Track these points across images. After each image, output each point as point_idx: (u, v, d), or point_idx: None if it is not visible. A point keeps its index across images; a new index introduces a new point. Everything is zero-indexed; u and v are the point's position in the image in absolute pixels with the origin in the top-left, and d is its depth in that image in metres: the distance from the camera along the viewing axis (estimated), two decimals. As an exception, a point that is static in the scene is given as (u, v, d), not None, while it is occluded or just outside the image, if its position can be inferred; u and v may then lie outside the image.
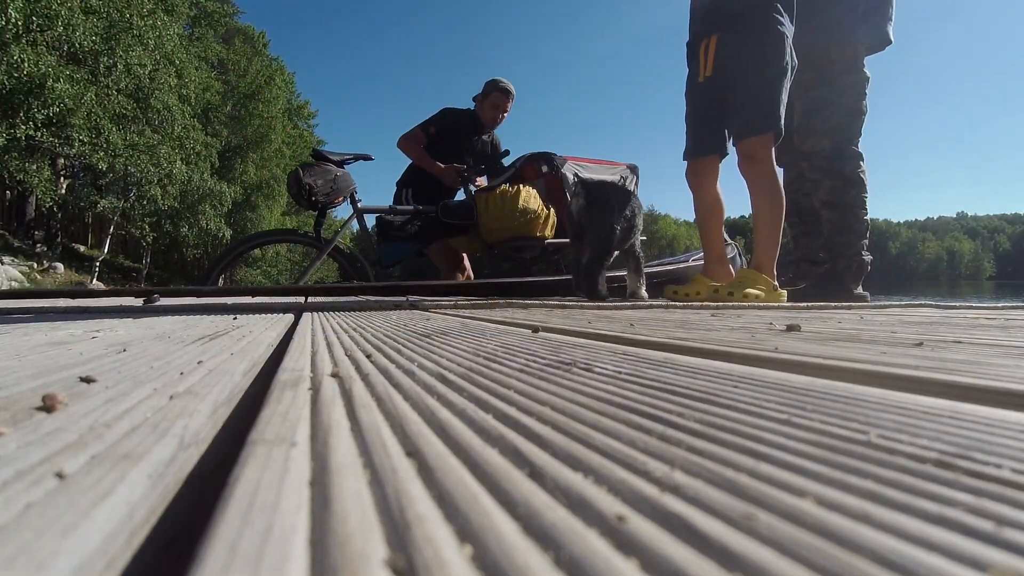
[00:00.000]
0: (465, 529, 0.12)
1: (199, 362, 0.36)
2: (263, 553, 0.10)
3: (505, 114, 3.08)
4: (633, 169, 3.12)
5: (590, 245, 1.71)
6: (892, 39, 2.40)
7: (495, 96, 3.02)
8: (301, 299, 1.73)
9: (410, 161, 3.03)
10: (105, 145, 11.91)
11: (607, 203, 1.72)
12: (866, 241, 2.37)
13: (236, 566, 0.10)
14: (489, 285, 2.42)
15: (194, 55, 16.58)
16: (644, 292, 1.91)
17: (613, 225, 1.69)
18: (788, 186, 2.44)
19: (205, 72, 17.33)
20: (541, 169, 2.92)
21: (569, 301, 1.66)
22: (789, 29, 1.89)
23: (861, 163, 2.35)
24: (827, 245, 2.42)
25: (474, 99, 3.09)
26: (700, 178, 2.03)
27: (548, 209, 2.76)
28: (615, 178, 3.00)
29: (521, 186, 2.71)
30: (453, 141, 2.94)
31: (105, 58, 12.28)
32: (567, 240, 2.85)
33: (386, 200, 2.97)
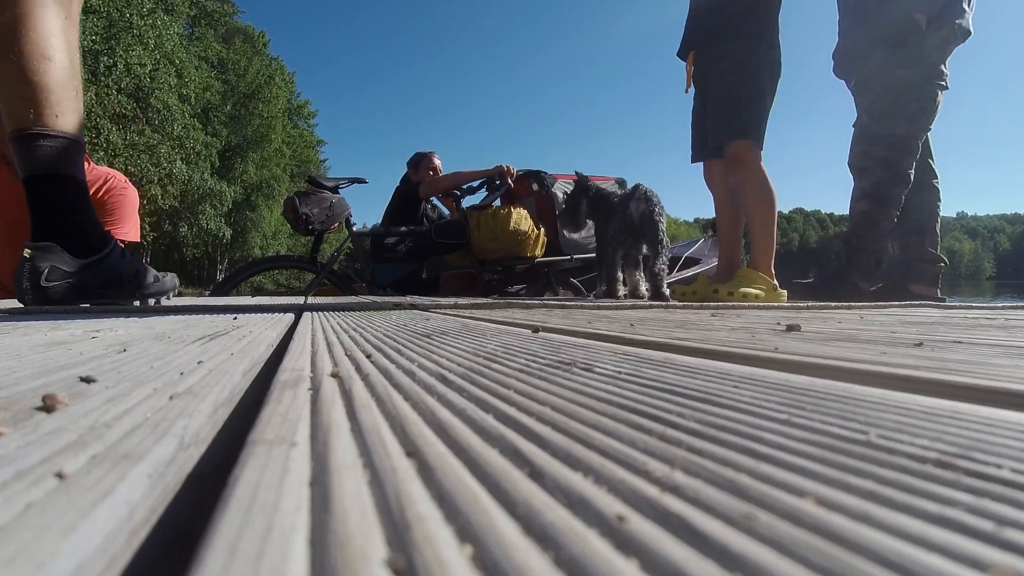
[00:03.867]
0: (465, 529, 0.12)
1: (199, 362, 0.36)
2: (263, 553, 0.10)
3: (438, 171, 3.21)
4: (621, 183, 3.20)
5: (654, 248, 1.79)
6: (971, 30, 2.22)
7: (426, 160, 3.18)
8: (301, 299, 1.73)
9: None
10: (105, 145, 11.92)
11: (661, 207, 1.83)
12: (889, 242, 2.27)
13: (236, 566, 0.10)
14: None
15: (194, 55, 16.59)
16: (644, 290, 1.92)
17: (664, 228, 1.82)
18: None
19: (205, 72, 17.34)
20: (532, 187, 2.98)
21: (569, 301, 1.66)
22: (769, 43, 1.92)
23: (915, 160, 2.19)
24: (847, 239, 2.28)
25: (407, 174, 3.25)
26: (708, 178, 2.11)
27: (538, 229, 2.82)
28: (604, 188, 3.07)
29: (512, 207, 2.77)
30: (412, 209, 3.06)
31: (105, 58, 12.28)
32: (557, 258, 2.92)
33: (379, 219, 3.06)
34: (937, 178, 2.36)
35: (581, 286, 3.04)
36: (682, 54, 2.11)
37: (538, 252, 2.84)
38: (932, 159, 2.36)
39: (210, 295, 2.88)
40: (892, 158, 2.17)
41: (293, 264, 3.06)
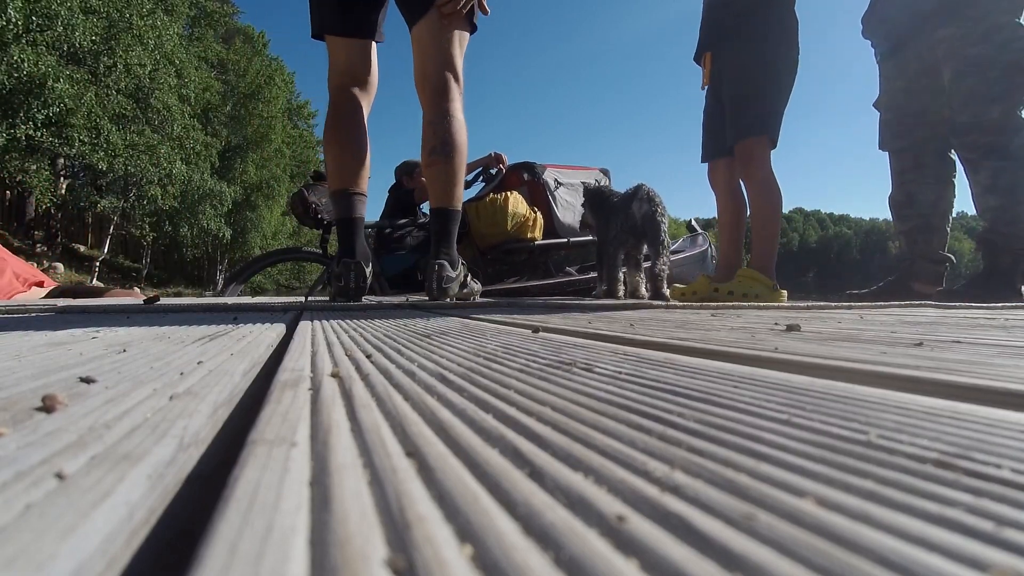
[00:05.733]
0: (465, 529, 0.12)
1: (199, 362, 0.36)
2: (263, 553, 0.10)
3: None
4: (605, 172, 3.35)
5: (655, 248, 1.78)
6: None
7: (418, 168, 3.24)
8: (300, 299, 1.73)
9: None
10: (105, 145, 11.92)
11: (664, 208, 1.82)
12: None
13: (236, 566, 0.10)
14: (532, 287, 2.77)
15: (194, 55, 16.58)
16: (644, 290, 1.92)
17: (665, 229, 1.81)
18: (902, 175, 2.23)
19: (205, 72, 17.33)
20: (523, 177, 3.11)
21: (569, 301, 1.66)
22: (784, 39, 1.91)
23: None
24: (986, 238, 1.99)
25: (400, 183, 3.33)
26: (713, 178, 2.10)
27: (535, 212, 2.92)
28: (590, 181, 3.21)
29: (509, 193, 2.87)
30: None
31: (105, 58, 12.28)
32: (554, 241, 3.02)
33: (376, 213, 3.14)
34: (955, 173, 2.16)
35: (575, 272, 3.14)
36: (698, 58, 2.12)
37: (537, 234, 2.96)
38: (952, 151, 2.12)
39: (227, 282, 3.01)
40: (1000, 142, 1.89)
41: (306, 256, 3.19)
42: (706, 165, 2.13)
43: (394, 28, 1.59)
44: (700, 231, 3.79)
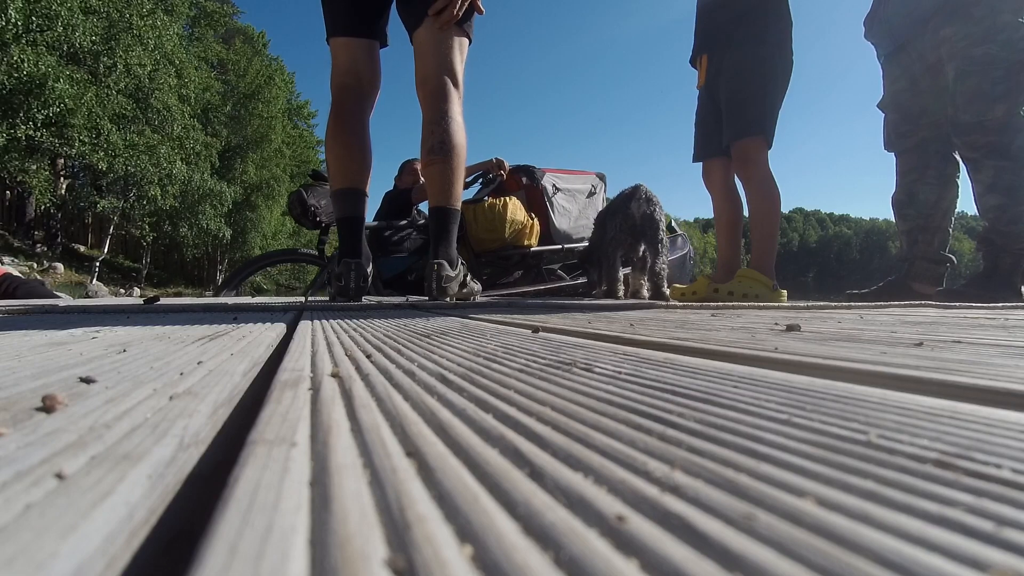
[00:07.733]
0: (465, 529, 0.12)
1: (199, 362, 0.36)
2: (263, 553, 0.10)
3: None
4: (602, 177, 3.38)
5: (654, 248, 1.79)
6: None
7: (408, 166, 3.30)
8: (300, 299, 1.74)
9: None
10: (105, 145, 11.92)
11: (661, 208, 1.86)
12: None
13: (236, 566, 0.10)
14: (530, 292, 2.83)
15: (194, 55, 16.59)
16: (645, 291, 1.92)
17: (663, 228, 1.85)
18: (906, 175, 2.23)
19: (205, 72, 17.33)
20: (522, 181, 3.12)
21: (569, 301, 1.66)
22: (779, 41, 1.92)
23: None
24: (986, 238, 2.00)
25: (396, 180, 3.38)
26: (707, 178, 2.11)
27: (532, 219, 2.94)
28: (587, 187, 3.23)
29: (508, 199, 2.88)
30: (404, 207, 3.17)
31: (105, 58, 12.28)
32: (549, 248, 3.05)
33: (370, 217, 3.15)
34: (959, 173, 2.15)
35: (565, 275, 3.16)
36: (693, 61, 2.12)
37: (533, 241, 2.98)
38: (956, 151, 2.10)
39: (220, 287, 3.01)
40: (1001, 143, 1.89)
41: (302, 258, 3.19)
42: (698, 166, 2.13)
43: (397, 36, 1.60)
44: (680, 232, 3.77)
